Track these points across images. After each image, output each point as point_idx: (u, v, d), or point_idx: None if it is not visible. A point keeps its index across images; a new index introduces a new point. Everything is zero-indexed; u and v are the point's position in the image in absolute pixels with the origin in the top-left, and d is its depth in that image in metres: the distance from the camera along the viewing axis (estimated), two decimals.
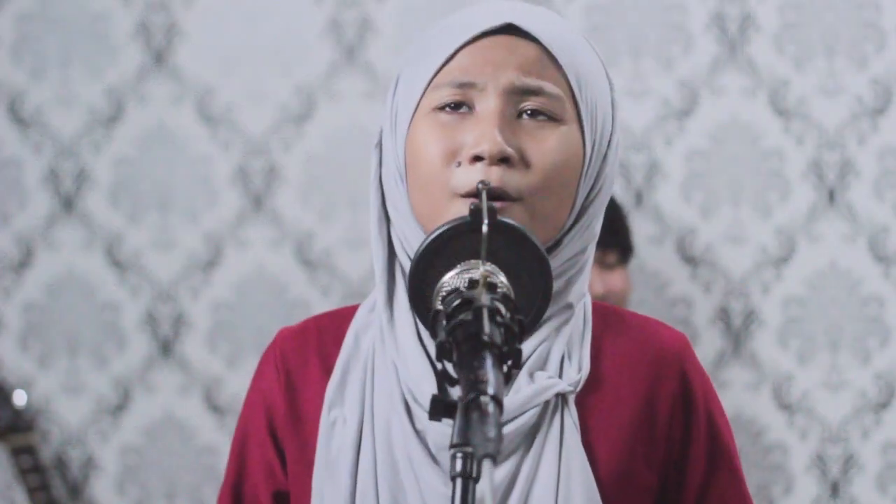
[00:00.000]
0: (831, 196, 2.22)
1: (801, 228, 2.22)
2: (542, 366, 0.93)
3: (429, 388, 0.91)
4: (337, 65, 2.27)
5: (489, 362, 0.71)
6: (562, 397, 0.92)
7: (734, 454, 0.98)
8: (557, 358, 0.93)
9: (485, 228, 0.81)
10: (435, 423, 0.90)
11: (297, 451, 0.96)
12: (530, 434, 0.91)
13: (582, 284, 0.96)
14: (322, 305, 2.22)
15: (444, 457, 0.90)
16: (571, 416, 0.92)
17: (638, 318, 1.04)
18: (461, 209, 0.89)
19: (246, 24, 2.30)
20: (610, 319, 0.99)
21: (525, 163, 0.91)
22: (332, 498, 0.92)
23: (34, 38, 2.26)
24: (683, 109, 2.24)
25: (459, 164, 0.90)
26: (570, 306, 0.94)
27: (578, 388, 0.93)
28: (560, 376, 0.93)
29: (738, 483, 0.97)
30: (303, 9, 2.29)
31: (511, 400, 0.88)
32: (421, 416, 0.91)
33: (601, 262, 2.00)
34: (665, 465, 0.94)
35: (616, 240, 2.04)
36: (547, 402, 0.91)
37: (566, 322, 0.94)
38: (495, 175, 0.89)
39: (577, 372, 0.93)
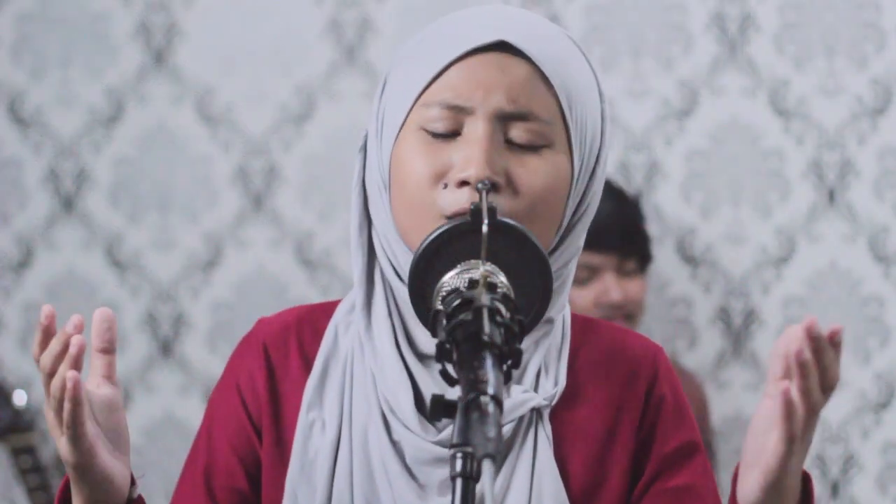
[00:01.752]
0: (831, 196, 2.22)
1: (801, 228, 2.22)
2: (519, 379, 0.92)
3: (405, 399, 0.91)
4: (337, 65, 2.27)
5: (489, 362, 0.71)
6: (536, 411, 0.92)
7: (703, 448, 0.98)
8: (534, 372, 0.93)
9: (485, 228, 0.81)
10: (411, 437, 0.90)
11: (274, 440, 0.96)
12: (504, 447, 0.90)
13: (563, 298, 0.96)
14: None
15: (420, 470, 0.90)
16: (545, 431, 0.92)
17: (613, 329, 1.04)
18: None
19: (246, 24, 2.30)
20: (586, 332, 0.99)
21: (513, 188, 0.90)
22: (307, 500, 0.92)
23: (34, 38, 2.26)
24: (683, 109, 2.24)
25: (446, 185, 0.90)
26: (550, 320, 0.93)
27: (553, 402, 0.92)
28: (536, 390, 0.92)
29: (708, 473, 0.97)
30: (303, 9, 2.29)
31: None
32: (397, 427, 0.91)
33: (620, 270, 2.00)
34: (635, 457, 0.95)
35: (636, 248, 2.04)
36: (522, 417, 0.91)
37: (545, 335, 0.94)
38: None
39: (554, 386, 0.93)
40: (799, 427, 0.79)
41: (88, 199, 2.25)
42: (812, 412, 0.80)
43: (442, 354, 0.75)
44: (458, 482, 0.65)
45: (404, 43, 0.98)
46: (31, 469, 2.08)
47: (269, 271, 2.27)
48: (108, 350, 0.87)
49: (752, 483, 0.81)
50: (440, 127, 0.91)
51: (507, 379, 0.74)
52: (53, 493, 2.22)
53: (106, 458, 0.85)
